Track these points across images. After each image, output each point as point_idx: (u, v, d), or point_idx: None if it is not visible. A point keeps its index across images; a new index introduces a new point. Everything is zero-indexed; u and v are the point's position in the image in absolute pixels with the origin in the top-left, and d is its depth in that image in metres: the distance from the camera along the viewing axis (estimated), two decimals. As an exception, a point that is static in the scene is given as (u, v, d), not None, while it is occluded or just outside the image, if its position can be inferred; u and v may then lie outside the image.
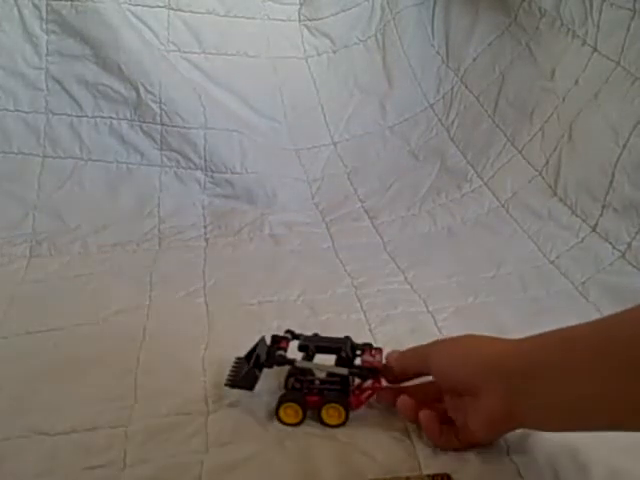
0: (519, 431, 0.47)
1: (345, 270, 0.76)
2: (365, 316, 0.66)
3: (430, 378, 0.47)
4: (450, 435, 0.45)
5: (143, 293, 0.71)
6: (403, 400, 0.48)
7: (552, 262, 0.75)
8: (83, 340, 0.61)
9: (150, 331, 0.63)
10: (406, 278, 0.74)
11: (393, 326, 0.63)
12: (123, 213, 0.91)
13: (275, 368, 0.51)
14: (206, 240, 0.86)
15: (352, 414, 0.49)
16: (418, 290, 0.71)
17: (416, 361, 0.48)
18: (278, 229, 0.88)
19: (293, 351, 0.52)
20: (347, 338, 0.52)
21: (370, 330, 0.63)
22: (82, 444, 0.47)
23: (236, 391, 0.51)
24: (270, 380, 0.52)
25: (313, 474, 0.44)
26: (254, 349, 0.52)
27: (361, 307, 0.68)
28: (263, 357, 0.50)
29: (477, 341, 0.45)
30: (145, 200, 0.93)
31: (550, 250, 0.77)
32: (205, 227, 0.89)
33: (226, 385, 0.50)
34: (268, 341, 0.53)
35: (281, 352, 0.50)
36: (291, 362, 0.49)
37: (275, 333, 0.53)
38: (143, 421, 0.49)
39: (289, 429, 0.48)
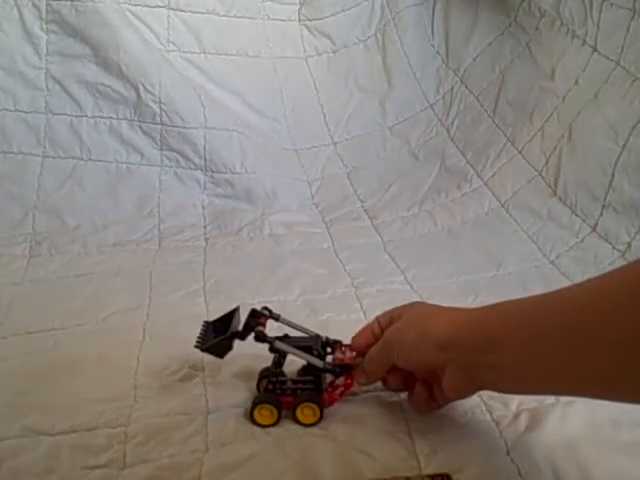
0: (519, 431, 0.47)
1: (345, 270, 0.76)
2: (365, 316, 0.66)
3: None
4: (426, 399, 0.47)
5: (143, 293, 0.71)
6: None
7: (552, 262, 0.75)
8: (83, 340, 0.62)
9: (150, 331, 0.63)
10: (406, 278, 0.74)
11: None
12: (123, 213, 0.91)
13: (256, 365, 0.50)
14: (206, 240, 0.86)
15: (352, 414, 0.49)
16: (418, 290, 0.71)
17: (386, 361, 0.48)
18: (278, 229, 0.88)
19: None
20: (317, 337, 0.52)
21: (370, 330, 0.63)
22: (82, 444, 0.47)
23: (236, 391, 0.52)
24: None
25: (313, 474, 0.44)
26: (226, 317, 0.51)
27: (361, 307, 0.68)
28: (238, 328, 0.50)
29: (429, 317, 0.45)
30: (145, 200, 0.93)
31: (550, 250, 0.77)
32: (205, 227, 0.90)
33: (196, 347, 0.50)
34: (242, 315, 0.52)
35: (260, 328, 0.49)
36: (270, 341, 0.49)
37: (255, 307, 0.52)
38: (143, 421, 0.49)
39: (289, 429, 0.48)
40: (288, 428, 0.48)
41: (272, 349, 0.50)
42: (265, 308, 0.52)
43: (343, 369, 0.50)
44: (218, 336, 0.50)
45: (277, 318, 0.52)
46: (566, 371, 0.35)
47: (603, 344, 0.33)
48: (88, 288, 0.73)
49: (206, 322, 0.52)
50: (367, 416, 0.49)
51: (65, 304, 0.69)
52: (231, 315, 0.52)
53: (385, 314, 0.51)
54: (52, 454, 0.46)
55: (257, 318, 0.51)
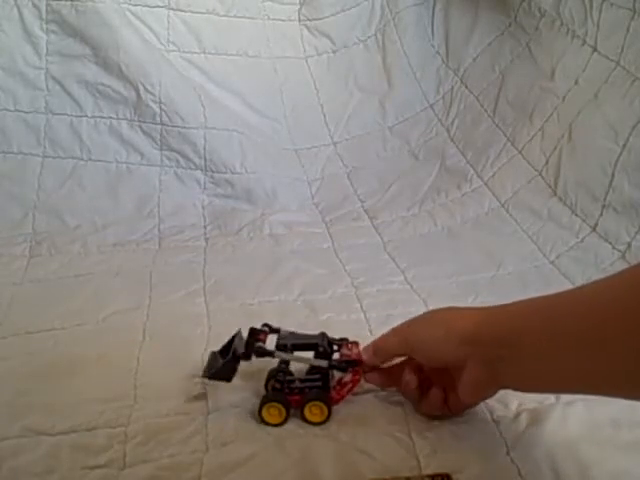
0: (519, 431, 0.47)
1: (345, 270, 0.76)
2: (365, 316, 0.66)
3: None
4: (441, 402, 0.47)
5: (143, 293, 0.71)
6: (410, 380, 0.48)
7: (552, 262, 0.75)
8: (83, 340, 0.62)
9: (150, 331, 0.63)
10: (406, 278, 0.74)
11: (393, 326, 0.63)
12: (123, 213, 0.91)
13: (258, 365, 0.51)
14: (206, 240, 0.86)
15: (352, 413, 0.49)
16: (418, 290, 0.71)
17: (397, 347, 0.49)
18: (278, 229, 0.88)
19: (271, 345, 0.51)
20: (323, 334, 0.52)
21: (370, 330, 0.63)
22: (82, 444, 0.47)
23: (236, 391, 0.52)
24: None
25: (313, 474, 0.44)
26: (230, 342, 0.51)
27: (361, 307, 0.68)
28: (241, 349, 0.50)
29: (452, 316, 0.46)
30: (145, 200, 0.93)
31: (550, 250, 0.77)
32: (205, 227, 0.89)
33: (203, 377, 0.50)
34: (245, 335, 0.52)
35: (260, 344, 0.50)
36: (270, 353, 0.49)
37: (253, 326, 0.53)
38: (143, 421, 0.49)
39: (289, 429, 0.48)
40: (288, 428, 0.48)
41: (278, 347, 0.50)
42: (265, 325, 0.53)
43: (349, 364, 0.50)
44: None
45: (278, 331, 0.53)
46: (580, 371, 0.36)
47: (612, 346, 0.34)
48: (88, 288, 0.73)
49: (213, 352, 0.53)
50: (367, 416, 0.49)
51: (65, 304, 0.69)
52: (233, 339, 0.52)
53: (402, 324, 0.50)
54: (52, 454, 0.46)
55: (257, 335, 0.51)
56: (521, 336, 0.40)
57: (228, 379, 0.50)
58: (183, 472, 0.44)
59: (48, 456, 0.46)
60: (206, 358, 0.57)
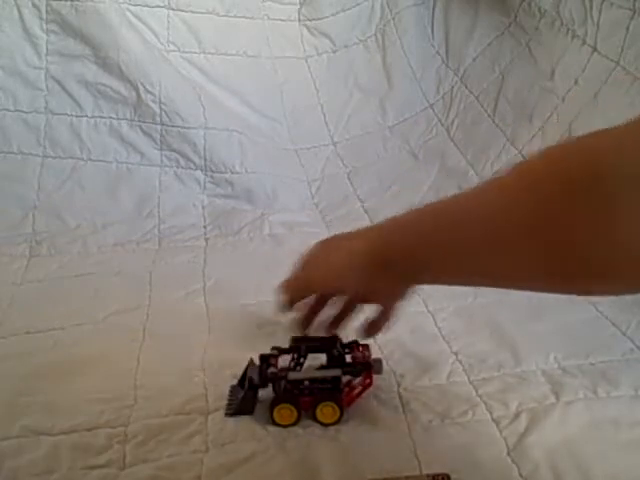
0: (519, 431, 0.47)
1: (345, 270, 0.76)
2: (364, 316, 0.66)
3: None
4: None
5: (143, 293, 0.71)
6: None
7: (552, 262, 0.75)
8: (83, 340, 0.61)
9: (150, 331, 0.63)
10: (406, 278, 0.74)
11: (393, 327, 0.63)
12: (123, 213, 0.91)
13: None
14: (206, 240, 0.86)
15: (352, 414, 0.49)
16: (418, 290, 0.71)
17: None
18: (278, 229, 0.88)
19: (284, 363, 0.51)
20: (335, 337, 0.52)
21: (370, 330, 0.63)
22: (82, 444, 0.47)
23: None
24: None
25: (313, 474, 0.44)
26: (245, 373, 0.52)
27: (361, 307, 0.68)
28: (256, 379, 0.50)
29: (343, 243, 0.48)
30: (145, 200, 0.93)
31: (550, 250, 0.77)
32: (205, 227, 0.89)
33: (226, 415, 0.50)
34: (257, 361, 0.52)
35: (272, 369, 0.50)
36: (283, 377, 0.49)
37: (262, 352, 0.52)
38: (143, 421, 0.49)
39: (289, 429, 0.48)
40: (288, 428, 0.48)
41: (293, 349, 0.50)
42: (274, 348, 0.52)
43: (363, 368, 0.50)
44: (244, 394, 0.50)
45: (288, 352, 0.52)
46: (490, 270, 0.37)
47: (517, 245, 0.35)
48: (88, 288, 0.73)
49: (232, 386, 0.52)
50: (367, 416, 0.49)
51: (65, 304, 0.69)
52: (247, 369, 0.52)
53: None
54: (52, 454, 0.46)
55: (268, 361, 0.51)
56: (429, 249, 0.40)
57: (250, 412, 0.50)
58: (183, 472, 0.44)
59: (48, 456, 0.46)
60: (206, 358, 0.57)
